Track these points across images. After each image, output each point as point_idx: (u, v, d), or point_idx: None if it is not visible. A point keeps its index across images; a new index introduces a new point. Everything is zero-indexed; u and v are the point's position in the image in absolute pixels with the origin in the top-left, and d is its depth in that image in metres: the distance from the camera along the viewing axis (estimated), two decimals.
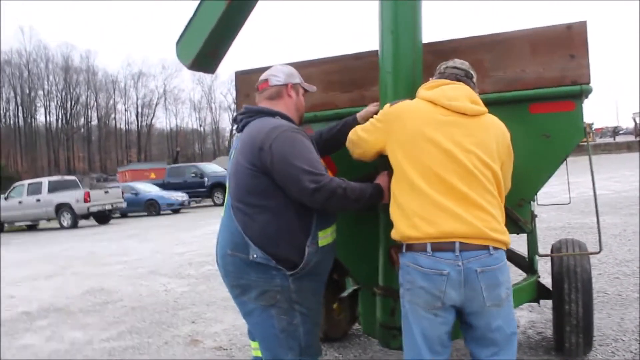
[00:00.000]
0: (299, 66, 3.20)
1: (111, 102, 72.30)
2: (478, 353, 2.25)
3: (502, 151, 2.29)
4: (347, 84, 3.14)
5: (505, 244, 2.18)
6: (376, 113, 2.81)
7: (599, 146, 38.63)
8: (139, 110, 73.61)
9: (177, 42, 3.11)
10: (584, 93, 2.80)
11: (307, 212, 2.36)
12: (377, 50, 2.75)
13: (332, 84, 3.16)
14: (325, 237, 2.45)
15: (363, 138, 2.49)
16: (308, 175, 2.23)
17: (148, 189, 24.77)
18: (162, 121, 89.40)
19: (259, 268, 2.33)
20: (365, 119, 2.79)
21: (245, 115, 2.55)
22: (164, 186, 26.02)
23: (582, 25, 2.80)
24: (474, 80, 2.42)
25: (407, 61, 2.60)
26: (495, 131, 2.28)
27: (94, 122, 71.12)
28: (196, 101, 78.11)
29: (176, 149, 47.47)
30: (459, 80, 2.36)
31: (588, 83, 2.78)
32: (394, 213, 2.29)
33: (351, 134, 2.60)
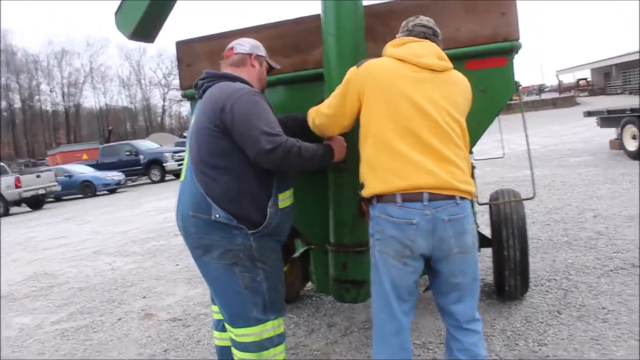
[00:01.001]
0: (240, 34, 3.20)
1: (34, 83, 68.84)
2: (443, 299, 2.35)
3: (467, 105, 2.40)
4: (289, 48, 3.18)
5: (470, 193, 2.27)
6: None
7: (526, 104, 40.14)
8: (65, 90, 70.45)
9: (116, 13, 3.06)
10: (515, 49, 2.97)
11: (268, 175, 2.43)
12: (318, 15, 2.80)
13: (274, 49, 3.18)
14: (285, 199, 2.53)
15: (333, 113, 2.47)
16: (266, 136, 2.28)
17: (82, 170, 24.06)
18: (91, 100, 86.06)
19: (221, 228, 2.38)
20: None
21: (206, 80, 2.59)
22: (99, 166, 25.36)
23: None
24: (440, 37, 2.48)
25: (349, 23, 2.66)
26: (460, 87, 2.37)
27: (17, 105, 67.53)
28: (125, 78, 75.56)
29: (108, 128, 45.91)
30: (426, 38, 2.41)
31: (518, 39, 2.96)
32: (365, 173, 2.33)
33: (317, 118, 2.57)
